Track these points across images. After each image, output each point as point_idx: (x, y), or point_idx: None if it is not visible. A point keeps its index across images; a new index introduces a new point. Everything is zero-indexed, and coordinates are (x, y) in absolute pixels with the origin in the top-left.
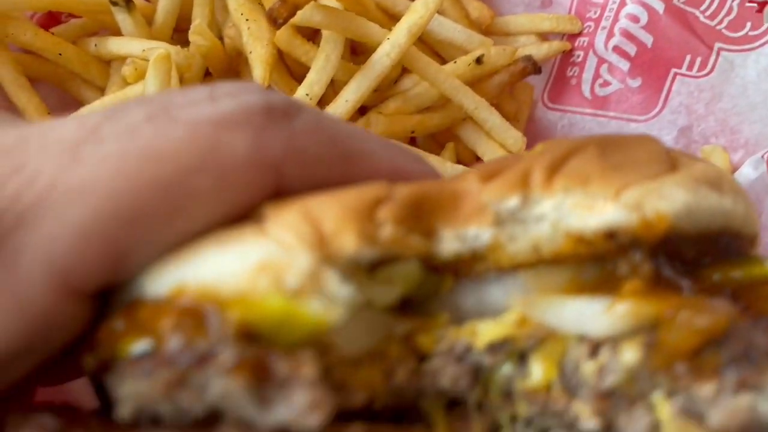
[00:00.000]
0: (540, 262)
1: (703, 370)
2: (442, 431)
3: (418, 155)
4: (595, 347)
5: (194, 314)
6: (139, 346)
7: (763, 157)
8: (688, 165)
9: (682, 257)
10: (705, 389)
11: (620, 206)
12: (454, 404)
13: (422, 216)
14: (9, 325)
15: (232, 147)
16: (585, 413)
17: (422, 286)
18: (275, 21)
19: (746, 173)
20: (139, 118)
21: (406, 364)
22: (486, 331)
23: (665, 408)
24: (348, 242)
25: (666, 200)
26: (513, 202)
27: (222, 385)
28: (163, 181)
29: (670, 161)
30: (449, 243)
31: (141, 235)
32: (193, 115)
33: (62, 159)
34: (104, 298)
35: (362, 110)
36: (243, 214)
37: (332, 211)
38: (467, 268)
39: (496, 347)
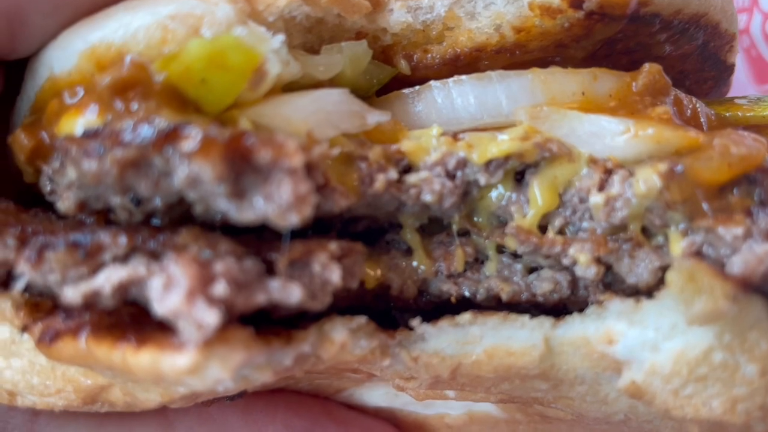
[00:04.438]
0: (503, 45)
1: (731, 210)
2: (420, 257)
3: None
4: (606, 175)
5: (125, 80)
6: (85, 121)
7: None
8: None
9: (658, 49)
10: (730, 231)
11: None
12: (434, 228)
13: None
14: None
15: None
16: (583, 259)
17: (372, 74)
18: None
19: None
20: None
21: (387, 171)
22: (487, 145)
23: (678, 247)
24: None
25: None
26: None
27: (189, 170)
28: None
29: None
30: (399, 14)
31: None
32: None
33: None
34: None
35: None
36: None
37: None
38: (421, 50)
39: (496, 164)
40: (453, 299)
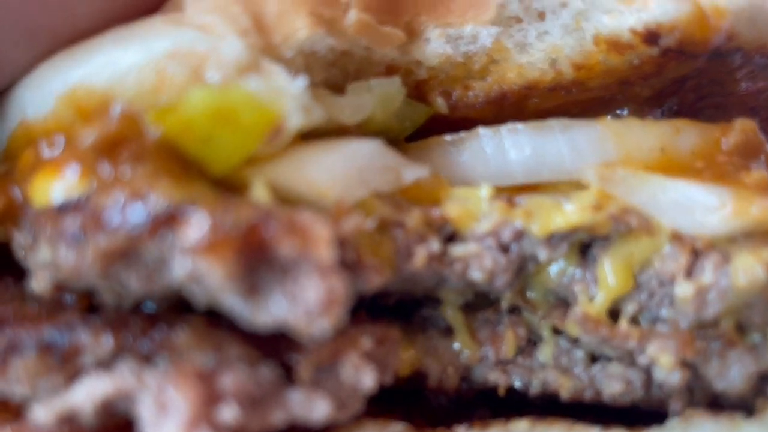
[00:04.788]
0: (559, 83)
1: None
2: (464, 339)
3: None
4: (694, 257)
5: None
6: (64, 185)
7: None
8: None
9: (733, 86)
10: None
11: None
12: (478, 303)
13: (402, 6)
14: None
15: None
16: (665, 361)
17: (405, 116)
18: None
19: None
20: None
21: (428, 242)
22: (549, 214)
23: None
24: (299, 27)
25: None
26: None
27: (193, 268)
28: None
29: None
30: (437, 44)
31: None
32: None
33: None
34: None
35: None
36: (155, 6)
37: None
38: (461, 86)
39: (560, 236)
40: (501, 390)
